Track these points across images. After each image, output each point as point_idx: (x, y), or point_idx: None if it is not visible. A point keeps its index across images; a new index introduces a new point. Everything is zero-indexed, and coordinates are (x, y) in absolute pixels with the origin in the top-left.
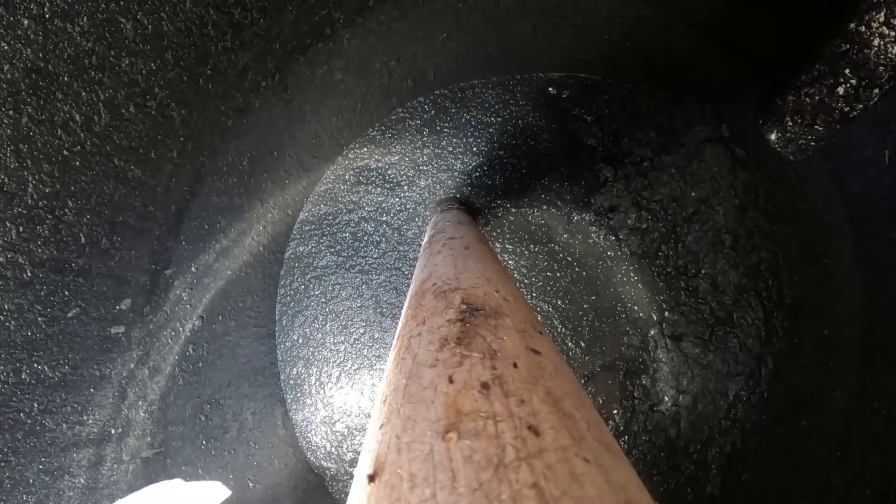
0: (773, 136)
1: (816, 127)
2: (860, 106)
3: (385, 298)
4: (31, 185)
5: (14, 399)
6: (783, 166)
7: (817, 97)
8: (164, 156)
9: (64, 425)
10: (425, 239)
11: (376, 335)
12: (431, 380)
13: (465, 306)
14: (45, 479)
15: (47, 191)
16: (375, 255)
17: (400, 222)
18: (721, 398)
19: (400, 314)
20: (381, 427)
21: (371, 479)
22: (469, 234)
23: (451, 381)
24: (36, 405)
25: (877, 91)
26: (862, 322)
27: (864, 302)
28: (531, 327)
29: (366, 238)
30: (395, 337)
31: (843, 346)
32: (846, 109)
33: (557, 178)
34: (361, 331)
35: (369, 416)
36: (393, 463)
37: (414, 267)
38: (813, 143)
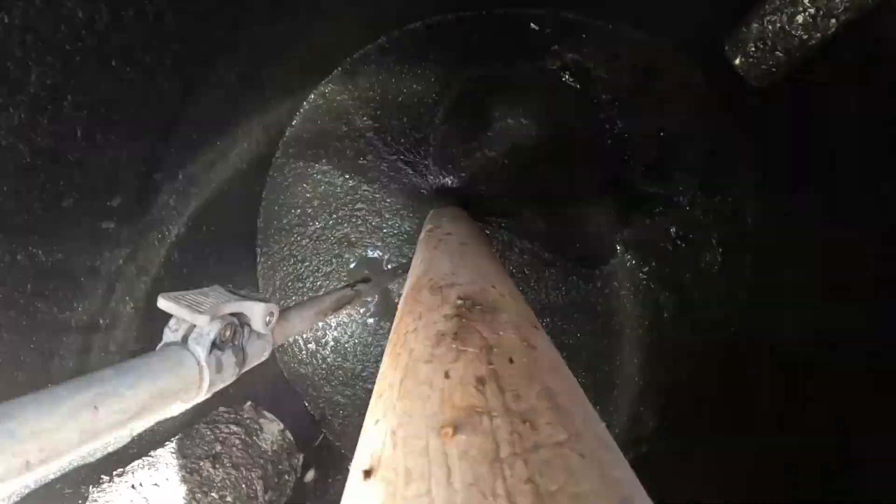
0: (737, 62)
1: (777, 53)
2: (818, 35)
3: (364, 221)
4: (34, 75)
5: (9, 278)
6: None
7: (778, 24)
8: (158, 61)
9: (55, 309)
10: (421, 234)
11: (354, 255)
12: (427, 375)
13: (461, 301)
14: (36, 359)
15: (48, 82)
16: (357, 178)
17: (383, 147)
18: None
19: (382, 237)
20: (376, 423)
21: (367, 474)
22: (465, 229)
23: (446, 376)
24: (30, 286)
25: (833, 21)
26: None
27: None
28: (527, 322)
29: (348, 162)
30: (391, 332)
31: None
32: (805, 37)
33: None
34: (339, 247)
35: (342, 329)
36: (388, 459)
37: (400, 184)
38: (773, 70)
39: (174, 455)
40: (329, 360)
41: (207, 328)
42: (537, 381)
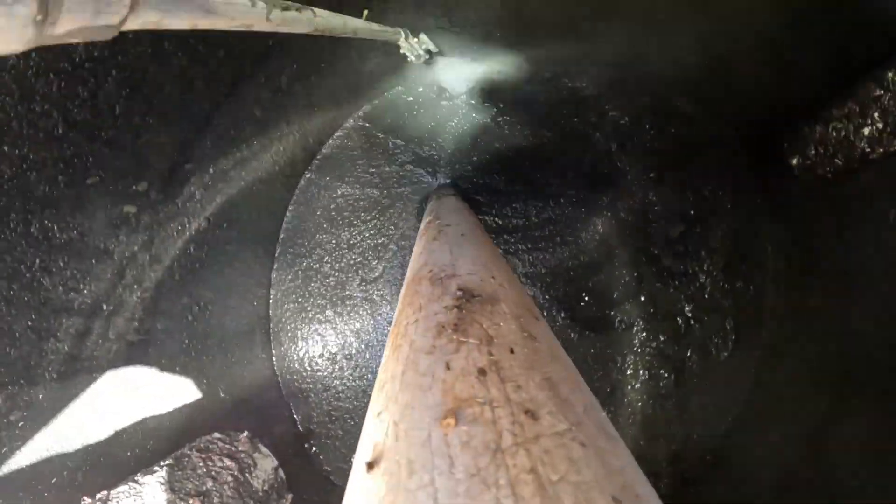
0: (794, 161)
1: (836, 160)
2: (881, 150)
3: (388, 247)
4: (80, 46)
5: (18, 249)
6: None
7: (843, 133)
8: (210, 53)
9: (60, 288)
10: (422, 226)
11: (370, 280)
12: (429, 366)
13: (461, 293)
14: (31, 337)
15: (95, 54)
16: (386, 198)
17: (415, 174)
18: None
19: (394, 264)
20: (378, 414)
21: (370, 466)
22: (465, 221)
23: (448, 367)
24: (38, 261)
25: None
26: None
27: None
28: (528, 313)
29: (379, 183)
30: (392, 324)
31: None
32: (867, 150)
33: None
34: (356, 270)
35: (348, 356)
36: (391, 450)
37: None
38: (829, 177)
39: (162, 486)
40: (332, 368)
41: None
42: (538, 371)
